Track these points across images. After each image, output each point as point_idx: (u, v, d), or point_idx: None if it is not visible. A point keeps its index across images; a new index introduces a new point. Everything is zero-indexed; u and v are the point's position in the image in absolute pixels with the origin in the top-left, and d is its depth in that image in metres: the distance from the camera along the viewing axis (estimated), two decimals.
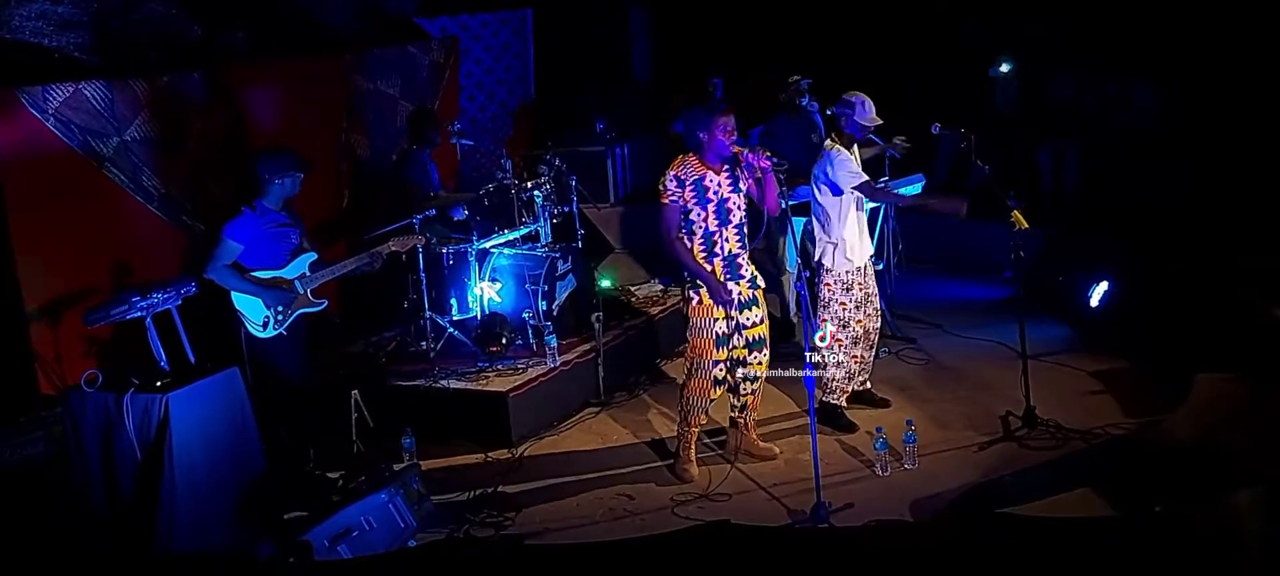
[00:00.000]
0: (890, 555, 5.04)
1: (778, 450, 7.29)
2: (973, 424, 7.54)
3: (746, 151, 6.66)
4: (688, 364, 7.02)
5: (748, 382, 7.01)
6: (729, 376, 6.96)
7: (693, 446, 7.15)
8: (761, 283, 7.00)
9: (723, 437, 7.45)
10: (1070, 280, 9.46)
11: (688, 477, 7.07)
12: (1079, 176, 11.42)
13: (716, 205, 6.75)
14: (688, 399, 7.03)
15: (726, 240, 6.79)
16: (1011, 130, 11.94)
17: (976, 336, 9.24)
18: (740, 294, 6.83)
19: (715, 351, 6.84)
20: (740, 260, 6.85)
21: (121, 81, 8.39)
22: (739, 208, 6.81)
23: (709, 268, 6.77)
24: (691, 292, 6.84)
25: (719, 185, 6.74)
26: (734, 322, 6.85)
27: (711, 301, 6.77)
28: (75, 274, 7.96)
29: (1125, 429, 7.23)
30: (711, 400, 7.01)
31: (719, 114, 6.72)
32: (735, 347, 6.89)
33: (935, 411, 7.83)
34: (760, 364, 6.93)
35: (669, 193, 6.74)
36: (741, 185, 6.80)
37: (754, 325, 6.91)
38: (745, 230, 6.88)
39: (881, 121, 7.55)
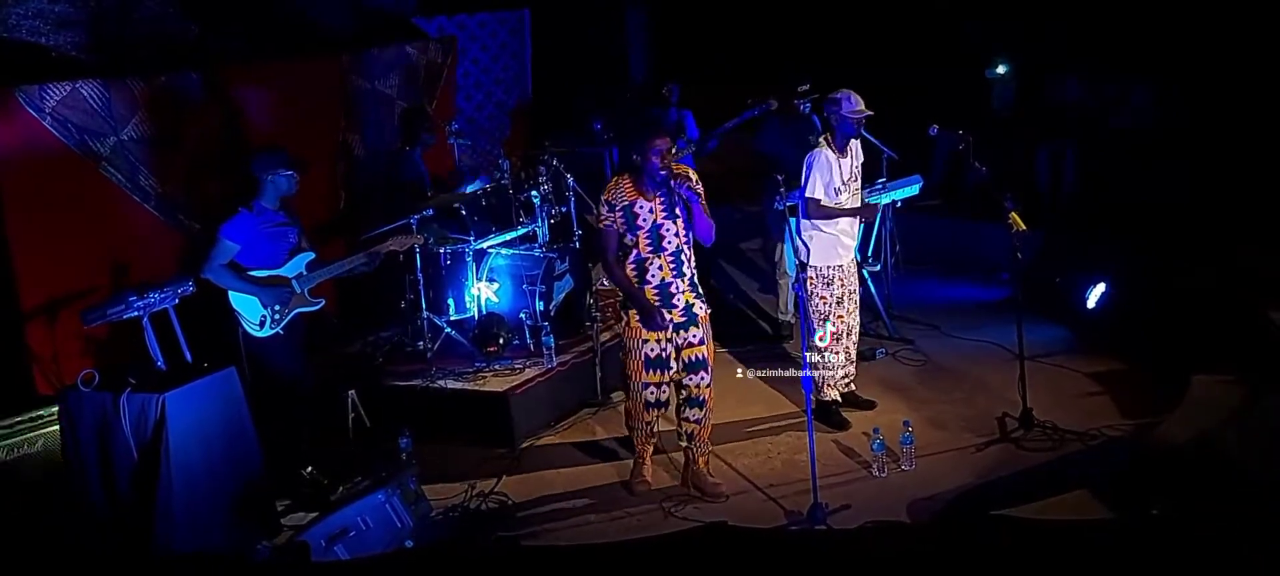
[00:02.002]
0: (887, 556, 5.04)
1: (725, 490, 6.89)
2: (970, 425, 7.55)
3: (676, 181, 6.43)
4: (626, 386, 6.94)
5: (689, 407, 6.84)
6: (666, 396, 6.83)
7: (647, 463, 7.04)
8: (701, 310, 6.74)
9: (725, 435, 7.42)
10: (1067, 282, 9.47)
11: (639, 491, 6.95)
12: (1076, 178, 11.43)
13: (648, 231, 6.57)
14: (627, 421, 7.00)
15: (659, 267, 6.60)
16: (1009, 131, 11.94)
17: (974, 337, 9.24)
18: (672, 319, 6.66)
19: (645, 373, 6.72)
20: (673, 287, 6.63)
21: (118, 81, 8.37)
22: (675, 235, 6.59)
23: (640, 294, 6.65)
24: (624, 313, 6.76)
25: (651, 210, 6.54)
26: (669, 345, 6.70)
27: (638, 325, 6.65)
28: (72, 273, 7.94)
29: (1122, 430, 7.24)
30: (649, 424, 6.90)
31: (653, 136, 6.51)
32: (673, 372, 6.76)
33: (932, 412, 7.83)
34: (699, 387, 6.78)
35: (603, 217, 6.60)
36: (676, 211, 6.57)
37: (691, 345, 6.72)
38: (685, 257, 6.64)
39: (871, 112, 7.53)
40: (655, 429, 7.01)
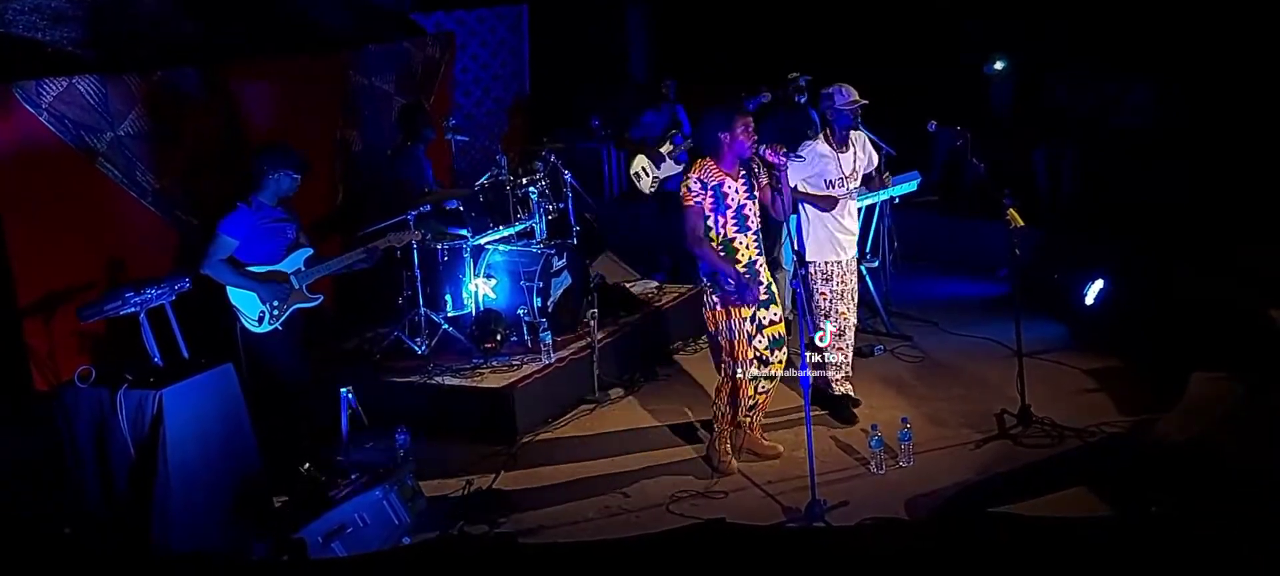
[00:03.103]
0: (885, 553, 5.04)
1: (780, 448, 7.26)
2: (968, 422, 7.54)
3: (764, 148, 6.58)
4: (724, 369, 6.94)
5: (764, 381, 6.97)
6: (761, 371, 6.90)
7: (727, 436, 7.12)
8: (776, 287, 7.00)
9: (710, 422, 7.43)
10: (1066, 278, 9.47)
11: (726, 469, 7.05)
12: (1075, 176, 11.42)
13: (734, 211, 6.70)
14: (722, 401, 7.00)
15: (746, 247, 6.75)
16: (1008, 129, 11.94)
17: (972, 334, 9.25)
18: (759, 296, 6.81)
19: (749, 349, 6.81)
20: (759, 265, 6.81)
21: (115, 76, 8.35)
22: (755, 214, 6.77)
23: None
24: (710, 298, 6.81)
25: (736, 191, 6.70)
26: (756, 321, 6.82)
27: (725, 308, 6.74)
28: (69, 270, 7.93)
29: (1120, 427, 7.24)
30: (754, 401, 7.03)
31: (739, 115, 6.66)
32: (758, 346, 6.86)
33: (931, 409, 7.83)
34: (779, 363, 6.92)
35: (692, 195, 6.66)
36: (755, 191, 6.74)
37: (774, 323, 6.88)
38: (760, 236, 6.84)
39: (866, 101, 7.52)
40: (754, 403, 7.10)
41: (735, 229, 6.72)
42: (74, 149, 8.11)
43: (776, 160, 6.57)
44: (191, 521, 6.21)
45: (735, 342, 6.79)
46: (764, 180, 6.69)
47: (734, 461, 7.10)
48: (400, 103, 10.39)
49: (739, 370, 6.83)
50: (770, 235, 8.89)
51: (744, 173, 6.71)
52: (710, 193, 6.66)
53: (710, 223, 6.69)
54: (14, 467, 7.28)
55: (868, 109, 7.61)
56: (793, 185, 7.33)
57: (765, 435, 7.34)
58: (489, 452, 7.64)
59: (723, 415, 7.04)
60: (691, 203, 6.67)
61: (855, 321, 7.87)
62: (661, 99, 11.35)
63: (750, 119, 6.67)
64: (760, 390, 7.01)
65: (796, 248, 7.48)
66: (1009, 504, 6.14)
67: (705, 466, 7.20)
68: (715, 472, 7.06)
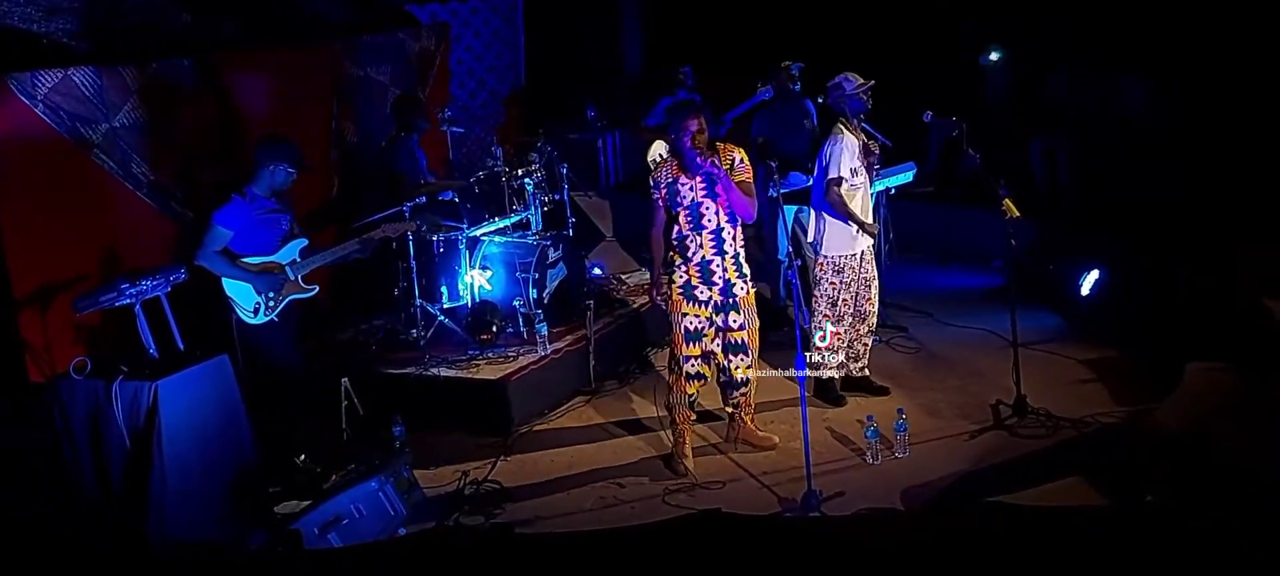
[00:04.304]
0: (881, 544, 5.04)
1: (776, 439, 7.27)
2: (964, 412, 7.55)
3: (701, 159, 6.56)
4: (669, 359, 7.08)
5: (733, 388, 7.03)
6: (707, 371, 6.94)
7: (686, 441, 7.11)
8: (742, 291, 6.87)
9: (718, 423, 7.46)
10: (1061, 268, 9.47)
11: (682, 471, 7.01)
12: (1071, 169, 11.42)
13: (688, 209, 6.72)
14: (668, 395, 7.08)
15: (700, 245, 6.75)
16: (1003, 121, 11.94)
17: (967, 325, 9.25)
18: (711, 298, 6.81)
19: (685, 346, 6.85)
20: (713, 265, 6.77)
21: (111, 68, 8.35)
22: (716, 212, 6.73)
23: (683, 270, 6.81)
24: (667, 286, 6.88)
25: (692, 188, 6.71)
26: (708, 325, 6.83)
27: (681, 297, 6.80)
28: (64, 261, 7.92)
29: (1116, 418, 7.24)
30: (691, 396, 6.99)
31: (687, 115, 6.66)
32: (715, 352, 6.89)
33: (926, 400, 7.83)
34: (738, 369, 6.92)
35: (652, 190, 6.82)
36: (717, 190, 6.72)
37: (732, 329, 6.87)
38: (726, 235, 6.77)
39: (872, 81, 7.54)
40: (695, 402, 7.11)
41: (690, 226, 6.74)
42: (69, 140, 8.10)
43: (711, 171, 6.57)
44: (187, 513, 6.20)
45: (674, 333, 6.88)
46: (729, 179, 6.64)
47: (689, 463, 7.04)
48: (395, 94, 10.39)
49: (675, 362, 6.92)
50: (761, 222, 8.91)
51: (707, 172, 6.69)
52: (664, 188, 6.77)
53: (672, 214, 6.78)
54: (9, 459, 7.26)
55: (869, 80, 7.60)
56: (840, 175, 7.37)
57: (760, 426, 7.35)
58: (485, 443, 7.64)
59: (676, 410, 7.04)
60: (652, 197, 6.82)
61: (877, 311, 7.91)
62: (678, 86, 11.34)
63: (696, 121, 6.62)
64: (733, 398, 7.08)
65: (811, 238, 7.50)
66: (1004, 494, 6.14)
67: (715, 453, 7.23)
68: (675, 476, 7.01)
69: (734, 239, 6.82)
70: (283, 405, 7.12)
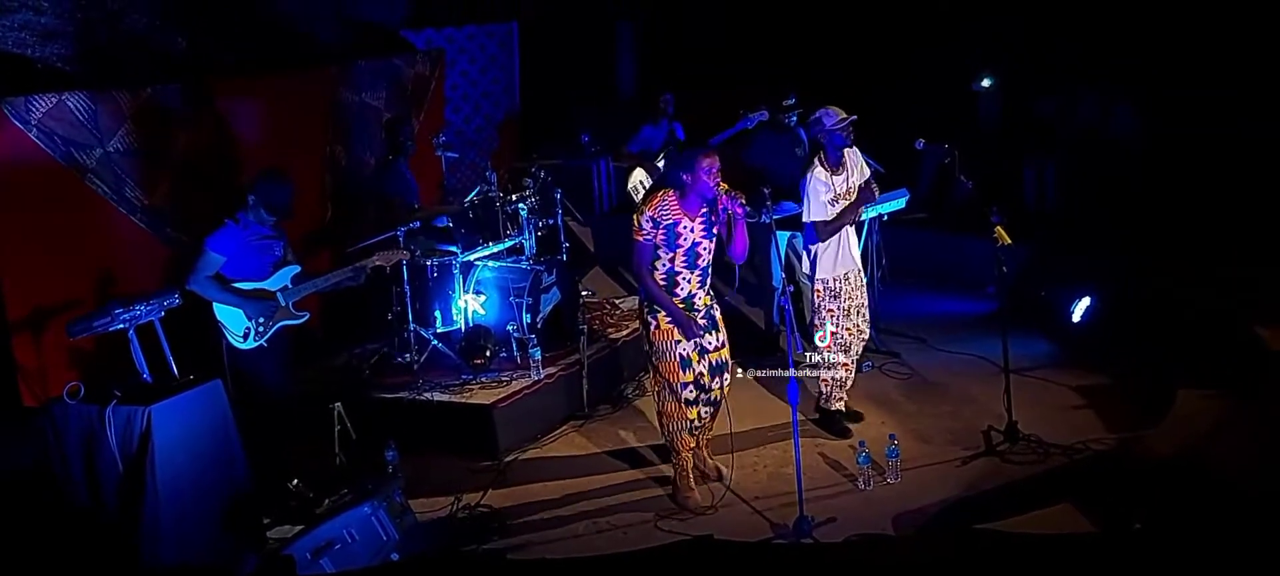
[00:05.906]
0: (873, 570, 5.05)
1: (725, 470, 7.16)
2: (955, 438, 7.56)
3: (725, 196, 6.51)
4: (657, 390, 6.98)
5: (706, 406, 6.98)
6: (701, 395, 6.91)
7: (690, 472, 7.05)
8: (717, 311, 6.93)
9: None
10: (1053, 295, 9.49)
11: (691, 505, 6.94)
12: (1062, 192, 11.46)
13: (686, 250, 6.67)
14: (668, 425, 6.98)
15: (687, 282, 6.73)
16: (995, 146, 11.98)
17: (959, 351, 9.26)
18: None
19: (682, 373, 6.79)
20: (696, 298, 6.78)
21: (105, 93, 8.36)
22: (708, 252, 6.74)
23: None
24: (650, 317, 6.79)
25: (691, 230, 6.65)
26: (698, 346, 6.81)
27: (669, 326, 6.73)
28: (58, 285, 7.91)
29: (1107, 444, 7.25)
30: (692, 422, 6.92)
31: (703, 155, 6.58)
32: (700, 373, 6.86)
33: (918, 425, 7.84)
34: (719, 388, 6.93)
35: (643, 232, 6.62)
36: (714, 230, 6.72)
37: (716, 349, 6.87)
38: (708, 273, 6.81)
39: (854, 116, 7.55)
40: (696, 429, 7.00)
41: (683, 264, 6.70)
42: (63, 165, 8.11)
43: (735, 209, 6.53)
44: (181, 537, 6.20)
45: (666, 364, 6.79)
46: (726, 216, 6.62)
47: (697, 495, 6.99)
48: (387, 118, 10.40)
49: (671, 392, 6.83)
50: (755, 248, 8.93)
51: (705, 211, 6.66)
52: (662, 230, 6.62)
53: (660, 254, 6.68)
54: (2, 483, 7.25)
55: (854, 126, 7.63)
56: (820, 219, 7.39)
57: (714, 455, 7.31)
58: (478, 468, 7.64)
59: (678, 439, 6.96)
60: (641, 238, 6.65)
61: (866, 334, 7.92)
62: (660, 113, 11.38)
63: (715, 159, 6.57)
64: (703, 415, 6.99)
65: (806, 264, 7.52)
66: (996, 521, 6.14)
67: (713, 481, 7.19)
68: (683, 511, 6.93)
69: (709, 268, 6.85)
70: (274, 430, 7.12)
